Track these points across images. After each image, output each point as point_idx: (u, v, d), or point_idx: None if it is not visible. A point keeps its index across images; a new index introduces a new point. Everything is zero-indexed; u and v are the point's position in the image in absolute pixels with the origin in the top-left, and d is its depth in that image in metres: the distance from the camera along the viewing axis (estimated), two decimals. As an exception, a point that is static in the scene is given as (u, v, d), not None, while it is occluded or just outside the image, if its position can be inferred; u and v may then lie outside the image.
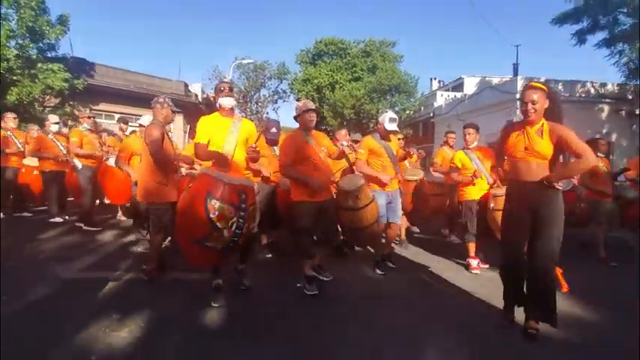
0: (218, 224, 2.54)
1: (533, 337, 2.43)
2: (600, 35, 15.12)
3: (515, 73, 18.48)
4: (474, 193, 4.12)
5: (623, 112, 15.65)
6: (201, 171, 3.01)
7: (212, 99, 24.51)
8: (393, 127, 3.84)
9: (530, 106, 2.39)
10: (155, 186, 3.23)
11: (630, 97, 15.60)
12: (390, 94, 23.11)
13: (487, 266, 4.13)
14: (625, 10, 14.48)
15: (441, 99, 23.18)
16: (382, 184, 3.79)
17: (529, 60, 60.35)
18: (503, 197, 2.95)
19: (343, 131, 5.21)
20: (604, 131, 15.71)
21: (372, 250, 4.51)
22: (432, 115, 22.72)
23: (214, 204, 2.54)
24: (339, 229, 3.78)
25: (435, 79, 30.27)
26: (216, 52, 64.72)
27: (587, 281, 3.65)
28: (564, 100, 15.80)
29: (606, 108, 15.93)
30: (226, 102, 3.09)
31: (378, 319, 2.79)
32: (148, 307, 2.73)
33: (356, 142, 4.72)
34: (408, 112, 23.30)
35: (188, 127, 15.32)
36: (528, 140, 2.43)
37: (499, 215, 2.96)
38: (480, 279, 3.84)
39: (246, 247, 3.03)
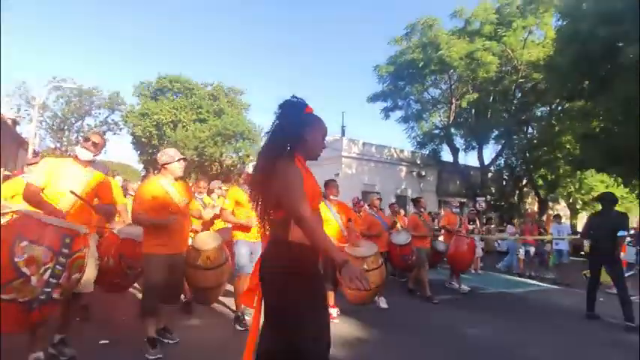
0: (24, 269, 2.06)
1: None
2: (399, 113, 19.70)
3: (343, 134, 21.80)
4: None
5: (414, 173, 20.25)
6: (20, 211, 2.50)
7: (11, 121, 19.73)
8: None
9: None
10: None
11: (419, 162, 20.44)
12: (235, 139, 23.57)
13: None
14: (414, 98, 19.38)
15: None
16: (247, 230, 3.73)
17: (353, 124, 71.74)
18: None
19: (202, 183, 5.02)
20: (402, 187, 19.91)
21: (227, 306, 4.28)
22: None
23: (24, 245, 2.09)
24: (187, 286, 3.55)
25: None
26: (28, 64, 53.21)
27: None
28: (376, 160, 19.60)
29: (404, 169, 20.30)
30: (84, 154, 2.78)
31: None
32: None
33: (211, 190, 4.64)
34: (251, 157, 24.12)
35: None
36: None
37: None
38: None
39: (65, 305, 2.53)
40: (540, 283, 7.87)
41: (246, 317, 3.79)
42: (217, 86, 27.16)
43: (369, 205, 6.04)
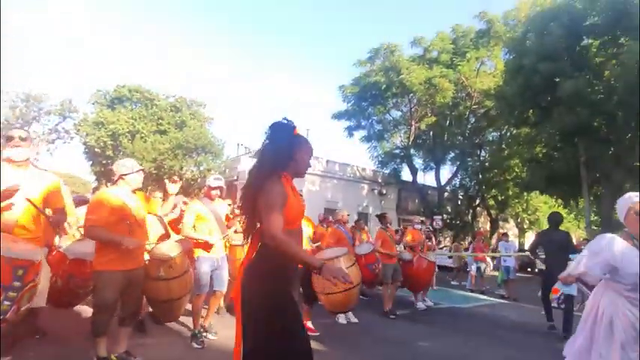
0: None
1: None
2: (362, 133, 20.28)
3: (307, 151, 21.89)
4: None
5: (376, 191, 20.75)
6: None
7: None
8: (219, 183, 3.86)
9: None
10: None
11: (380, 180, 21.01)
12: (196, 152, 23.00)
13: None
14: (377, 118, 20.08)
15: (245, 164, 24.73)
16: (208, 247, 3.65)
17: (317, 142, 72.51)
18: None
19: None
20: (364, 204, 20.30)
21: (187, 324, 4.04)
22: (236, 178, 23.76)
23: None
24: (145, 301, 3.36)
25: (241, 144, 32.23)
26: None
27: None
28: (339, 178, 19.92)
29: (366, 187, 20.75)
30: (16, 154, 2.51)
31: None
32: None
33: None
34: (212, 172, 23.57)
35: None
36: None
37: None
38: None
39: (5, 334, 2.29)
40: (489, 298, 8.27)
41: (209, 335, 3.72)
42: (180, 98, 26.55)
43: (336, 221, 6.11)
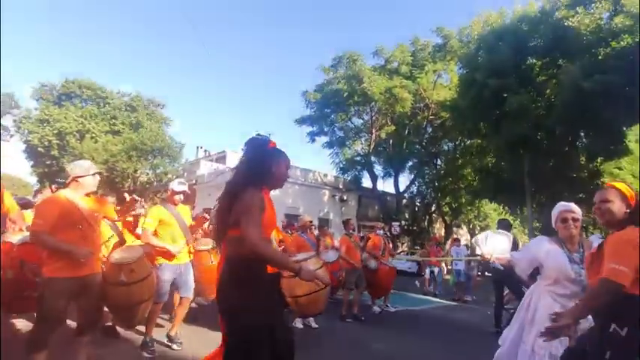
0: None
1: None
2: (325, 139, 20.52)
3: (268, 156, 21.69)
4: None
5: (337, 197, 21.00)
6: None
7: None
8: (183, 187, 3.71)
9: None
10: None
11: (341, 186, 21.30)
12: (152, 155, 22.05)
13: None
14: (338, 125, 20.41)
15: (205, 168, 24.07)
16: (170, 256, 3.50)
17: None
18: None
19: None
20: (325, 210, 20.47)
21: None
22: (195, 182, 23.03)
23: None
24: (106, 309, 3.15)
25: (201, 147, 31.37)
26: None
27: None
28: (300, 183, 19.95)
29: (327, 193, 20.94)
30: None
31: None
32: None
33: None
34: (170, 176, 22.69)
35: None
36: None
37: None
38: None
39: None
40: (442, 301, 8.63)
41: (174, 346, 3.61)
42: (136, 97, 25.39)
43: (300, 227, 6.07)
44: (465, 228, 29.72)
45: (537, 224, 16.46)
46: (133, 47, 59.05)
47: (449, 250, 13.20)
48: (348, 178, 20.70)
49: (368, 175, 20.37)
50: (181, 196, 3.73)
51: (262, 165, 1.83)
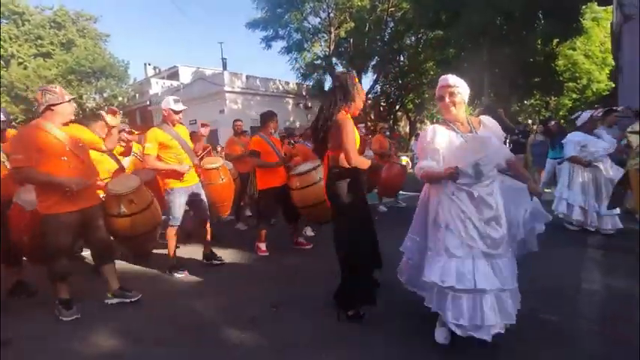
0: None
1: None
2: (281, 44, 19.17)
3: (224, 68, 20.43)
4: (274, 179, 4.02)
5: (301, 105, 20.59)
6: None
7: None
8: (180, 106, 3.46)
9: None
10: None
11: (304, 93, 20.73)
12: (95, 77, 20.10)
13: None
14: (294, 26, 18.89)
15: (157, 87, 22.43)
16: (180, 176, 3.36)
17: (234, 57, 67.20)
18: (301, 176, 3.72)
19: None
20: (291, 119, 20.20)
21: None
22: (148, 103, 21.65)
23: None
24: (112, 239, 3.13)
25: (149, 64, 28.74)
26: None
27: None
28: (262, 94, 19.18)
29: (291, 101, 20.43)
30: None
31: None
32: None
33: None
34: (120, 98, 21.12)
35: None
36: None
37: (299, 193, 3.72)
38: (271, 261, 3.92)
39: None
40: (407, 193, 9.27)
41: (214, 262, 3.68)
42: (60, 10, 21.88)
43: (301, 136, 5.80)
44: (428, 123, 30.56)
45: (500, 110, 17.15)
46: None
47: (412, 146, 13.80)
48: (311, 84, 20.05)
49: (331, 79, 19.78)
50: (181, 116, 3.51)
51: (350, 96, 2.41)
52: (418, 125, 25.76)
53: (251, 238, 4.38)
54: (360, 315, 2.44)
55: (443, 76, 2.14)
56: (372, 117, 22.17)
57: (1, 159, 2.96)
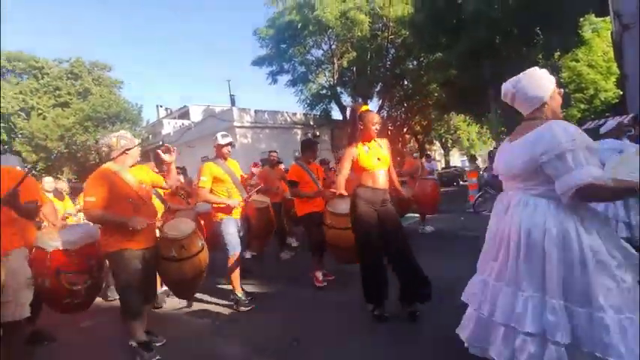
0: None
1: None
2: (286, 77, 19.78)
3: (233, 104, 21.06)
4: (313, 204, 3.97)
5: (309, 134, 20.90)
6: None
7: None
8: (228, 139, 3.60)
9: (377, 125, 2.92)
10: None
11: (312, 123, 21.10)
12: (110, 122, 20.90)
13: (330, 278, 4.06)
14: (298, 60, 19.55)
15: (169, 127, 23.18)
16: (230, 211, 3.44)
17: (242, 93, 69.30)
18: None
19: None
20: (299, 149, 20.46)
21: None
22: (161, 143, 22.27)
23: None
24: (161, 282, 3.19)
25: (161, 106, 29.87)
26: None
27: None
28: (270, 126, 19.61)
29: (299, 132, 20.78)
30: None
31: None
32: None
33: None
34: (135, 141, 21.79)
35: None
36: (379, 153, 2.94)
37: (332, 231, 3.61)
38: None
39: None
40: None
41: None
42: (76, 62, 23.16)
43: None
44: (437, 143, 30.60)
45: (503, 128, 17.09)
46: (59, 8, 52.42)
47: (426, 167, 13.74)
48: (318, 114, 20.44)
49: (337, 107, 20.16)
50: (229, 148, 3.62)
51: (354, 128, 2.97)
52: (427, 146, 25.79)
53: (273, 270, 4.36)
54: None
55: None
56: (380, 141, 22.29)
57: None
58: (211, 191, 3.45)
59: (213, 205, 3.52)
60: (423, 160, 18.78)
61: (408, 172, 6.35)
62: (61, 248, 2.71)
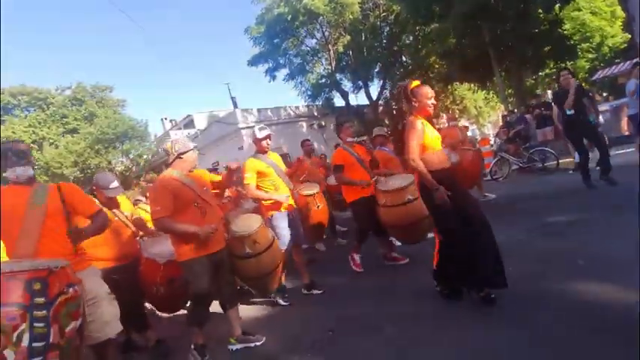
0: None
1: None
2: (284, 72, 19.66)
3: (235, 106, 21.11)
4: (362, 189, 3.77)
5: (315, 125, 20.84)
6: None
7: None
8: (266, 132, 3.55)
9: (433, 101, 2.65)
10: None
11: (316, 113, 21.01)
12: (119, 141, 21.25)
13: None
14: (293, 52, 19.40)
15: (175, 138, 23.41)
16: (279, 206, 3.44)
17: (242, 93, 69.29)
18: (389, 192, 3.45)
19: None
20: (308, 142, 20.42)
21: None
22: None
23: None
24: (238, 281, 3.24)
25: (165, 118, 30.15)
26: None
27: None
28: (275, 122, 19.59)
29: (304, 124, 20.73)
30: (20, 169, 2.16)
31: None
32: None
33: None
34: (145, 156, 22.15)
35: None
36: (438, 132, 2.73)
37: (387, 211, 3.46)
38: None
39: None
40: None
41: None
42: (78, 87, 23.56)
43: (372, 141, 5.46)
44: (444, 116, 30.05)
45: (509, 90, 16.67)
46: (49, 40, 53.12)
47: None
48: (320, 103, 20.30)
49: (338, 94, 19.98)
50: (269, 140, 3.57)
51: (409, 104, 2.63)
52: (434, 120, 25.40)
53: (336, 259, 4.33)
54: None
55: None
56: (387, 122, 22.07)
57: (122, 219, 3.10)
58: (258, 187, 3.44)
59: (262, 203, 3.50)
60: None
61: (449, 144, 5.47)
62: (172, 259, 2.82)
